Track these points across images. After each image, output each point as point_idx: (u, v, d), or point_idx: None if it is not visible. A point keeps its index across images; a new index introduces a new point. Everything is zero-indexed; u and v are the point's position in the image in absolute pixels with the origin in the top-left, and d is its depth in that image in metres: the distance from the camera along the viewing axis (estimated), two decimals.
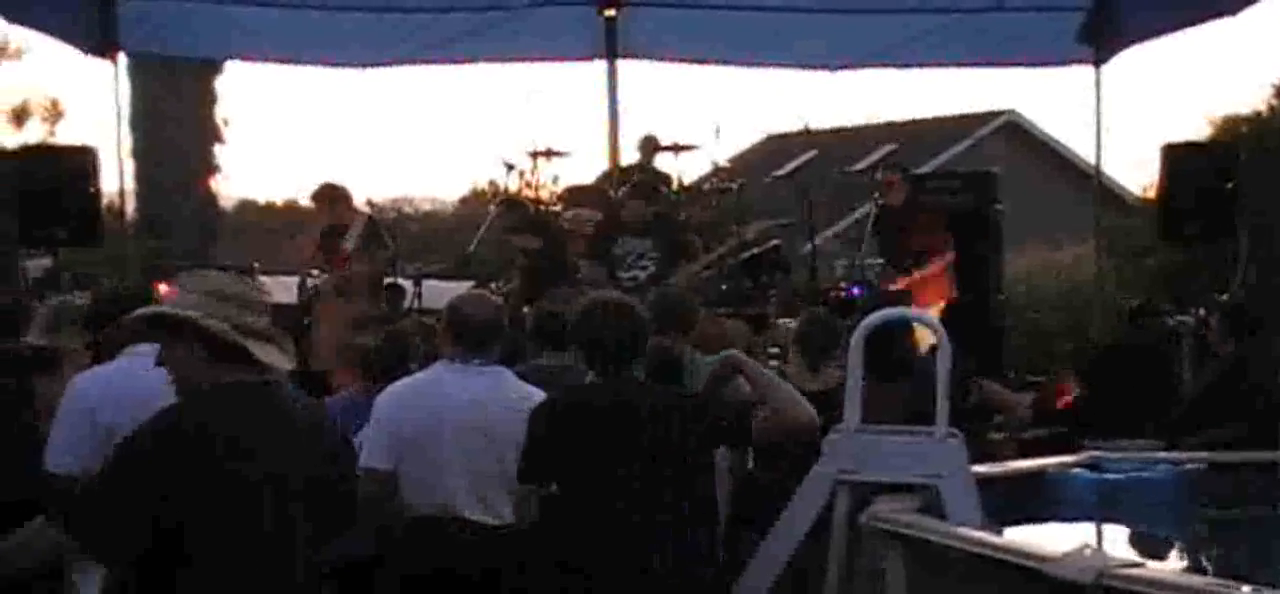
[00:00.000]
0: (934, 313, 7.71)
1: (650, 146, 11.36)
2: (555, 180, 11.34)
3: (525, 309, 7.96)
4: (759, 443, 5.14)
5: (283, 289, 9.68)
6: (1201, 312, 8.67)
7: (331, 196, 10.07)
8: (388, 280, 10.23)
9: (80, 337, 5.72)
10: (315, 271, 9.86)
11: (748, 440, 5.15)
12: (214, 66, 20.12)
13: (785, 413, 4.89)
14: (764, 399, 4.90)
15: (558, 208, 10.93)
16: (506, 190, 11.48)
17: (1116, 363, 8.46)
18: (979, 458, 5.05)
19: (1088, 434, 6.33)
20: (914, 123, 26.02)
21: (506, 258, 10.60)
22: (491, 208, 11.46)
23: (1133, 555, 4.15)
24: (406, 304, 10.15)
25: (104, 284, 9.60)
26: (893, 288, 9.22)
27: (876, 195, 9.90)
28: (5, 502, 4.79)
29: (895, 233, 9.69)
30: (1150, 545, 5.11)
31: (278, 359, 3.84)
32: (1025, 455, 6.31)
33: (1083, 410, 8.24)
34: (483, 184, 22.00)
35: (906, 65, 12.01)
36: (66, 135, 22.02)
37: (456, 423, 5.13)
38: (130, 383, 4.58)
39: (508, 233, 10.25)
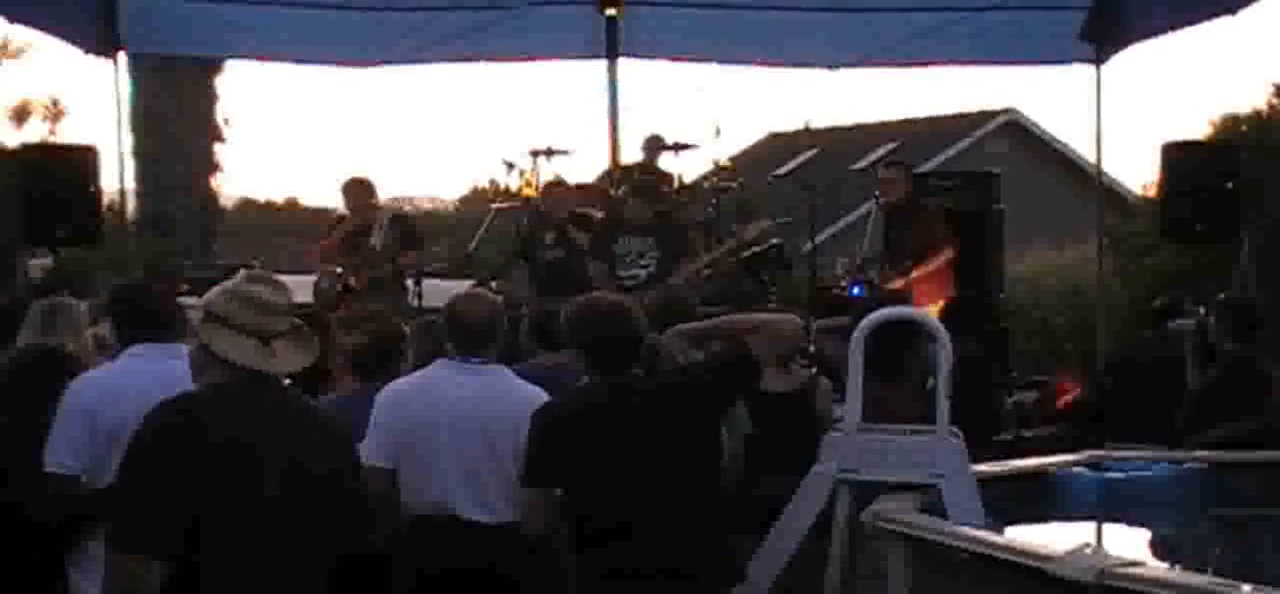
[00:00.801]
0: (933, 311, 7.71)
1: (655, 146, 11.34)
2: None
3: (523, 309, 7.90)
4: (765, 361, 5.12)
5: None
6: (1203, 311, 8.67)
7: (359, 192, 10.00)
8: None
9: (77, 337, 5.73)
10: (339, 269, 9.73)
11: (749, 381, 5.05)
12: (214, 66, 20.14)
13: (767, 326, 4.95)
14: (735, 334, 4.95)
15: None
16: (507, 189, 11.46)
17: (1130, 365, 8.50)
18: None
19: (1097, 433, 6.35)
20: (914, 122, 26.02)
21: (512, 251, 10.48)
22: (492, 206, 11.45)
23: (1133, 555, 4.14)
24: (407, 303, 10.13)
25: (115, 283, 9.56)
26: (892, 286, 9.19)
27: (877, 193, 9.88)
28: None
29: (896, 230, 9.66)
30: (1151, 545, 5.11)
31: (266, 362, 3.82)
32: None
33: (1095, 411, 8.28)
34: (483, 183, 22.03)
35: (907, 64, 12.00)
36: (67, 134, 22.09)
37: (453, 422, 5.12)
38: (130, 383, 4.58)
39: (565, 218, 10.09)
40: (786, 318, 5.16)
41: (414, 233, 10.15)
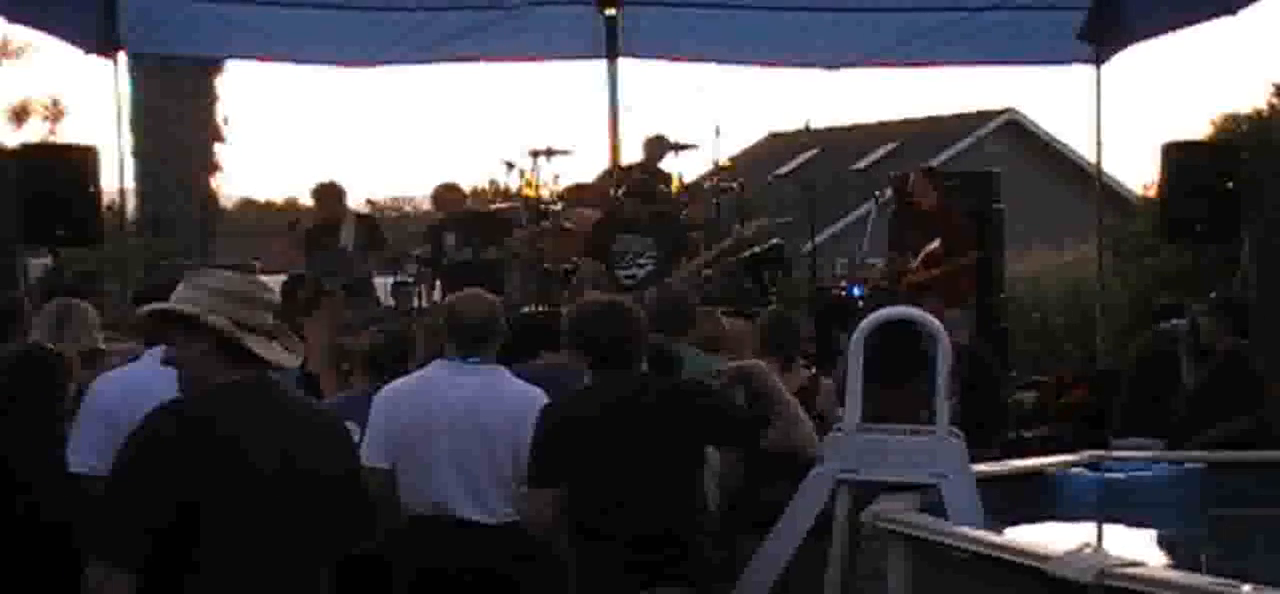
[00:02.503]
0: (957, 312, 7.76)
1: (658, 146, 11.29)
2: (556, 179, 11.35)
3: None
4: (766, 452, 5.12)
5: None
6: (1198, 310, 8.68)
7: (327, 195, 10.01)
8: (396, 279, 10.17)
9: (87, 338, 5.74)
10: (306, 270, 9.72)
11: (753, 448, 5.08)
12: (214, 66, 20.13)
13: (791, 434, 4.90)
14: (775, 415, 4.90)
15: (557, 206, 10.91)
16: (507, 189, 11.45)
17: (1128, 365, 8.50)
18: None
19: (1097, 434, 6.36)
20: (914, 122, 26.05)
21: (418, 256, 10.42)
22: (491, 206, 11.44)
23: (1133, 555, 4.14)
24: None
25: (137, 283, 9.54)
26: (915, 279, 9.18)
27: (908, 196, 9.81)
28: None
29: (918, 231, 9.59)
30: (1151, 545, 5.11)
31: (282, 357, 3.84)
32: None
33: (1095, 411, 8.28)
34: (483, 184, 22.00)
35: (907, 64, 12.01)
36: (67, 134, 22.09)
37: (449, 421, 5.13)
38: (152, 383, 4.58)
39: (462, 219, 9.98)
40: (808, 433, 5.09)
41: (378, 234, 10.14)
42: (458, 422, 5.12)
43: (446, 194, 10.42)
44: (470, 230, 9.94)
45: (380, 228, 10.46)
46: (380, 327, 6.38)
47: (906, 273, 9.36)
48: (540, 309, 9.05)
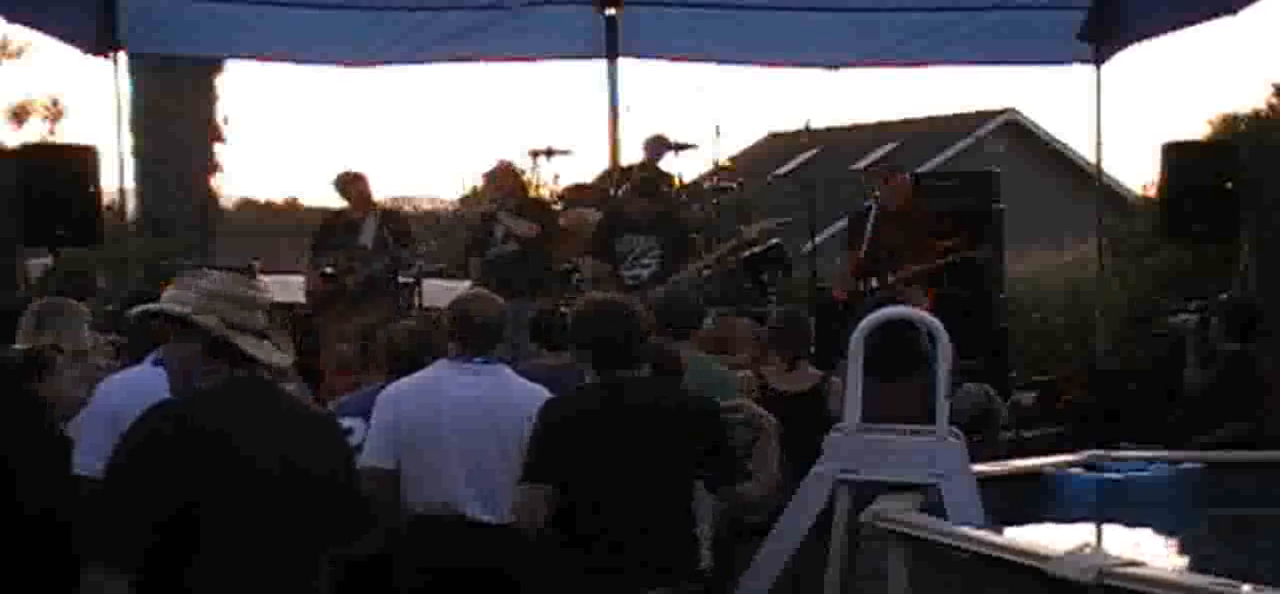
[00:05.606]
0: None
1: (659, 146, 11.27)
2: (556, 179, 11.35)
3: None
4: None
5: (282, 288, 9.62)
6: (1203, 311, 8.69)
7: (352, 186, 9.85)
8: (406, 279, 10.12)
9: (73, 339, 5.72)
10: (329, 269, 9.59)
11: (730, 482, 4.93)
12: (214, 66, 20.13)
13: (751, 494, 4.90)
14: (760, 473, 4.91)
15: (558, 206, 10.91)
16: None
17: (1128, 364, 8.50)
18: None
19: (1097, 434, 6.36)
20: (914, 122, 26.04)
21: (465, 245, 10.27)
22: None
23: (1133, 555, 4.15)
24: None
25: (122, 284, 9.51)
26: (875, 287, 9.19)
27: (876, 194, 9.86)
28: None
29: (882, 232, 9.62)
30: (1150, 545, 5.12)
31: (274, 356, 3.84)
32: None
33: (1094, 411, 8.28)
34: (483, 184, 21.99)
35: (907, 64, 12.00)
36: (67, 134, 22.06)
37: (457, 420, 5.13)
38: (156, 385, 4.58)
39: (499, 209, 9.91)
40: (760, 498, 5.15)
41: (406, 231, 10.03)
42: (469, 421, 5.12)
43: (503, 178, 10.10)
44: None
45: (404, 224, 10.27)
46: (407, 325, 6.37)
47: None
48: (541, 309, 9.06)
